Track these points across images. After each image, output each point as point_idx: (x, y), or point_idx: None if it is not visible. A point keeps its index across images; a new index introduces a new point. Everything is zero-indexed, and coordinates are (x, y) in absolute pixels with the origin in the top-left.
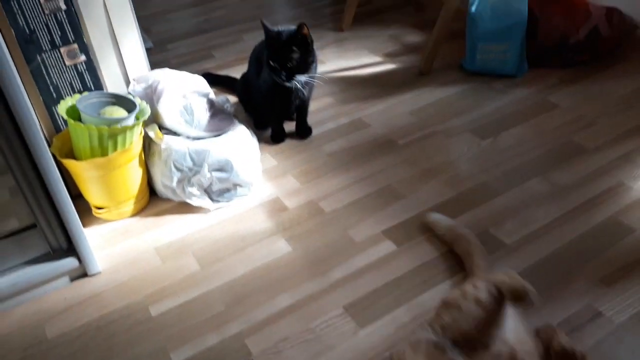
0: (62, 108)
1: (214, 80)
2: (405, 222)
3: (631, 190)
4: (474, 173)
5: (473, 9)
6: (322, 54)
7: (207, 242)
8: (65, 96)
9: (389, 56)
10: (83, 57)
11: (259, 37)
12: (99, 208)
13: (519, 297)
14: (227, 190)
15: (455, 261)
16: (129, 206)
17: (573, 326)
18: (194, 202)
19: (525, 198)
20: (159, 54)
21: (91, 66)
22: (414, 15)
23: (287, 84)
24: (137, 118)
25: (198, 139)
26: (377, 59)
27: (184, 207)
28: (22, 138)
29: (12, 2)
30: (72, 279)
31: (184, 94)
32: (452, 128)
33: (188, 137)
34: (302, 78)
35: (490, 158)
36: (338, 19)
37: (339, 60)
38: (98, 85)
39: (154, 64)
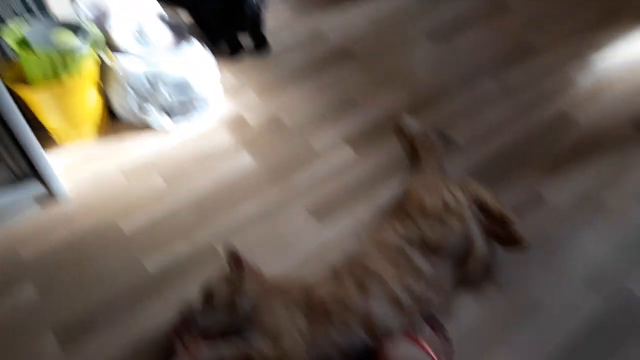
0: (10, 38)
1: None
2: (364, 128)
3: (579, 85)
4: (429, 77)
5: None
6: None
7: (172, 161)
8: (5, 17)
9: None
10: None
11: None
12: (60, 133)
13: (496, 219)
14: (187, 109)
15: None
16: (89, 129)
17: (518, 209)
18: (153, 122)
19: (477, 98)
20: None
21: None
22: None
23: None
24: (88, 43)
25: (153, 59)
26: None
27: (145, 128)
28: None
29: None
30: (42, 205)
31: (135, 15)
32: (408, 34)
33: (143, 59)
34: None
35: (445, 61)
36: None
37: None
38: (41, 7)
39: None
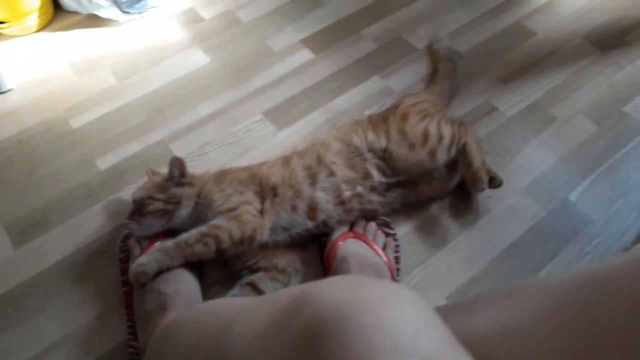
0: None
1: None
2: (323, 30)
3: None
4: None
5: None
6: None
7: (122, 56)
8: None
9: None
10: None
11: None
12: (1, 26)
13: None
14: (138, 0)
15: (365, 68)
16: (32, 20)
17: (471, 119)
18: (102, 13)
19: (439, 3)
20: None
21: None
22: None
23: None
24: None
25: None
26: None
27: (94, 20)
28: None
29: None
30: None
31: None
32: None
33: None
34: None
35: None
36: None
37: None
38: None
39: None
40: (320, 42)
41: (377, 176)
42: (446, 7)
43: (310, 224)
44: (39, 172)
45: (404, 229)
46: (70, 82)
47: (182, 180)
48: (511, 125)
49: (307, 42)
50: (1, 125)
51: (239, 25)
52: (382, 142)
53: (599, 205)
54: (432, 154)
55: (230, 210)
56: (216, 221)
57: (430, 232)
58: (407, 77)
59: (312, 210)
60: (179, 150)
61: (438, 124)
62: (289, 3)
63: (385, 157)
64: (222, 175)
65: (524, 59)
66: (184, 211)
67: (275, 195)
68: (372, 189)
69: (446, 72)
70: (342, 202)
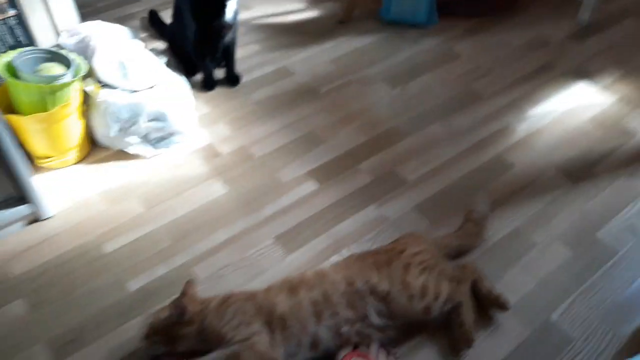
0: (1, 68)
1: (156, 21)
2: (326, 163)
3: (515, 132)
4: (385, 119)
5: None
6: None
7: (149, 187)
8: None
9: (313, 2)
10: (13, 12)
11: None
12: (43, 158)
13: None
14: (164, 138)
15: (363, 198)
16: (72, 155)
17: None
18: (132, 150)
19: (427, 140)
20: None
21: (21, 20)
22: None
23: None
24: (74, 74)
25: (133, 91)
26: (302, 5)
27: (125, 155)
28: None
29: None
30: (27, 224)
31: (117, 48)
32: (367, 76)
33: (124, 90)
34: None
35: (400, 105)
36: None
37: (265, 5)
38: (29, 38)
39: (81, 7)
40: (323, 174)
41: (375, 319)
42: (434, 143)
43: (312, 354)
44: (75, 293)
45: (403, 348)
46: (103, 210)
47: (181, 320)
48: (496, 251)
49: (311, 174)
50: (43, 249)
51: (252, 159)
52: (385, 287)
53: (578, 324)
54: (427, 309)
55: (243, 340)
56: (235, 347)
57: (428, 350)
58: (400, 206)
59: (315, 343)
60: (200, 272)
61: (437, 280)
62: (296, 140)
63: (385, 301)
64: (224, 305)
65: (504, 189)
66: (184, 347)
67: (284, 328)
68: (369, 325)
69: (466, 232)
70: (340, 335)
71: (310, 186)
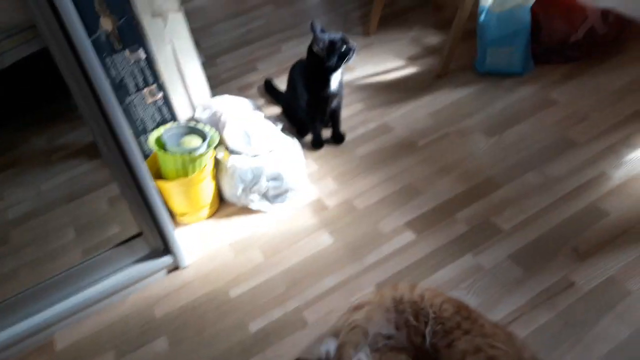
0: (151, 140)
1: (270, 88)
2: (423, 214)
3: (611, 179)
4: (481, 169)
5: (482, 18)
6: (352, 61)
7: (268, 238)
8: (148, 126)
9: (411, 59)
10: (161, 94)
11: (295, 47)
12: (181, 215)
13: None
14: (280, 194)
15: (459, 247)
16: (205, 212)
17: (550, 294)
18: (254, 206)
19: (522, 189)
20: (210, 69)
21: (167, 100)
22: (434, 15)
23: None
24: (209, 145)
25: (255, 156)
26: (401, 62)
27: (247, 210)
28: (129, 167)
29: (106, 59)
30: (168, 272)
31: (242, 120)
32: (464, 128)
33: (248, 155)
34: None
35: (496, 154)
36: (365, 22)
37: (367, 65)
38: (172, 114)
39: (207, 79)
40: (422, 224)
41: None
42: (528, 192)
43: None
44: (206, 332)
45: None
46: (230, 259)
47: None
48: (588, 299)
49: (410, 225)
50: (180, 294)
51: (355, 211)
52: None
53: None
54: None
55: None
56: None
57: None
58: (494, 255)
59: None
60: (309, 316)
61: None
62: (395, 192)
63: None
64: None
65: (599, 237)
66: None
67: None
68: None
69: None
70: None
71: (409, 236)
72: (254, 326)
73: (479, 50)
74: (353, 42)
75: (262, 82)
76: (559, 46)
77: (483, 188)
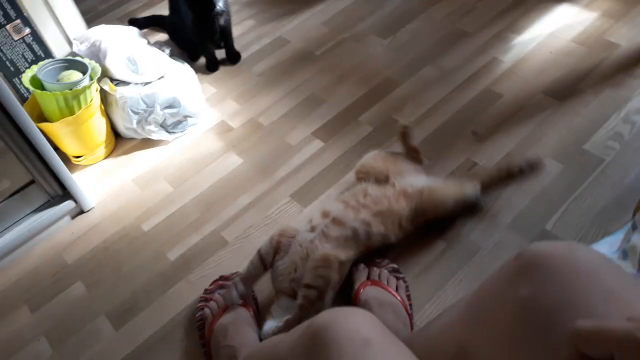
0: (25, 80)
1: (142, 24)
2: (328, 122)
3: (502, 63)
4: (379, 70)
5: None
6: None
7: (174, 168)
8: (20, 67)
9: None
10: (28, 30)
11: None
12: (77, 157)
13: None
14: (180, 122)
15: (366, 147)
16: (101, 151)
17: (456, 176)
18: (153, 136)
19: (420, 84)
20: (85, 2)
21: (36, 36)
22: None
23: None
24: (91, 77)
25: (146, 83)
26: None
27: (147, 143)
28: (6, 114)
29: None
30: (73, 217)
31: (125, 46)
32: (358, 32)
33: (137, 84)
34: None
35: (392, 54)
36: None
37: None
38: (46, 51)
39: (83, 13)
40: (327, 132)
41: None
42: (426, 86)
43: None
44: (124, 269)
45: (411, 273)
46: (137, 195)
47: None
48: None
49: (316, 134)
50: (89, 237)
51: (261, 128)
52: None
53: (571, 229)
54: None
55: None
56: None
57: (433, 273)
58: (400, 148)
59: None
60: (228, 235)
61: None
62: (298, 105)
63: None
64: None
65: (495, 119)
66: None
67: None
68: None
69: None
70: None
71: (317, 145)
72: (173, 255)
73: None
74: None
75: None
76: None
77: (383, 88)
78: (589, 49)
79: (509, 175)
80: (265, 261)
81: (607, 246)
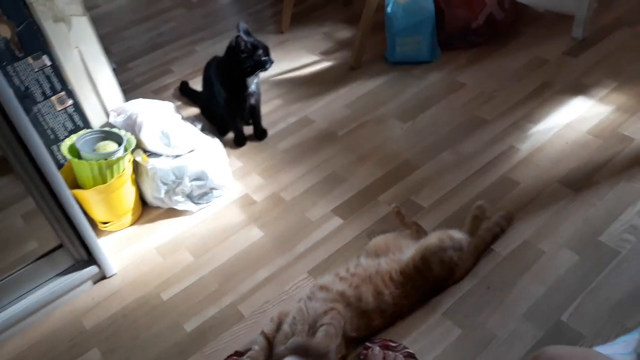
0: (64, 148)
1: (187, 89)
2: (348, 200)
3: (519, 151)
4: (398, 153)
5: (388, 9)
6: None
7: (196, 238)
8: (59, 135)
9: (325, 54)
10: (70, 101)
11: (209, 47)
12: (104, 223)
13: None
14: (205, 194)
15: (384, 227)
16: (128, 218)
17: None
18: (179, 207)
19: (438, 168)
20: (123, 74)
21: (78, 107)
22: (344, 11)
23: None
24: (125, 149)
25: (176, 156)
26: (315, 57)
27: (172, 212)
28: (43, 179)
29: (7, 67)
30: (95, 282)
31: (160, 120)
32: (380, 115)
33: (168, 156)
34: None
35: (411, 138)
36: (277, 21)
37: (283, 62)
38: (85, 121)
39: (121, 84)
40: (347, 209)
41: None
42: (444, 170)
43: None
44: (140, 338)
45: (425, 358)
46: (159, 263)
47: None
48: (507, 263)
49: (336, 211)
50: (109, 303)
51: (283, 203)
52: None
53: (588, 321)
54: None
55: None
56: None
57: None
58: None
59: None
60: (245, 310)
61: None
62: (320, 182)
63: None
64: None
65: (511, 206)
66: None
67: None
68: None
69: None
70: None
71: (335, 222)
72: (189, 326)
73: (389, 41)
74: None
75: (178, 85)
76: (463, 33)
77: (401, 170)
78: (604, 141)
79: (495, 238)
80: (269, 337)
81: (623, 345)
